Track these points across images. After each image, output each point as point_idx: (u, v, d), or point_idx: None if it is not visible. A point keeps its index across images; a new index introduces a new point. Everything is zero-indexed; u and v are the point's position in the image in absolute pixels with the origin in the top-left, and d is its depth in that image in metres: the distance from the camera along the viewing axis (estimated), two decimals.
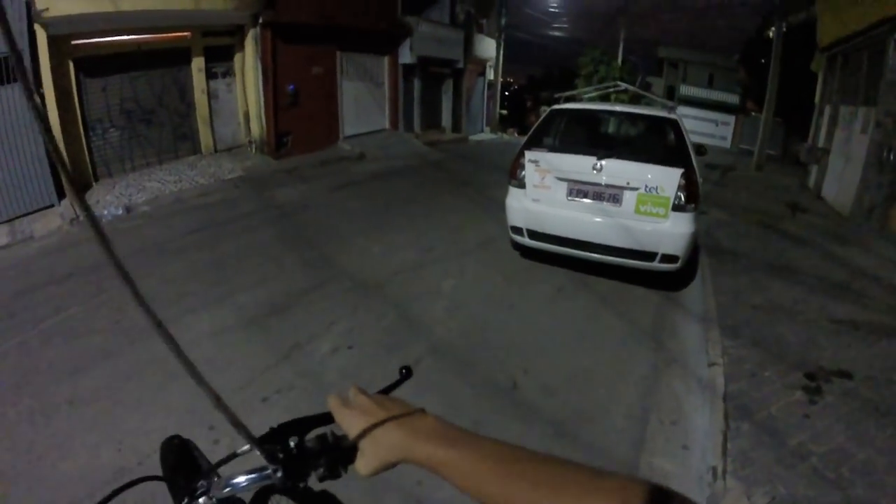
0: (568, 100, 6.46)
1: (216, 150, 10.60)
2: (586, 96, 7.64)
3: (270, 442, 0.69)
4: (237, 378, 3.31)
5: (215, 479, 0.73)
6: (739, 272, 5.59)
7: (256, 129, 11.33)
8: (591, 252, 5.05)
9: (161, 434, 0.82)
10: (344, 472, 0.69)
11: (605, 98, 13.91)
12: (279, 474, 0.66)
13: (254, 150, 11.37)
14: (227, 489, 0.71)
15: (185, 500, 0.70)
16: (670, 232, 4.78)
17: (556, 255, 5.30)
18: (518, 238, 5.49)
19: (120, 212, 7.13)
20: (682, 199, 4.77)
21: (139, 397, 3.12)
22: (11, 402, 3.06)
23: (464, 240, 6.50)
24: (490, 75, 24.19)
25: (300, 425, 0.72)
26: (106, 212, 7.13)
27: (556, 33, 35.62)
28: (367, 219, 7.08)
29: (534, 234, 5.31)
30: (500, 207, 5.59)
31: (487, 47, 22.58)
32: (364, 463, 0.66)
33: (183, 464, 0.75)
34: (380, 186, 9.52)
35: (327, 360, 3.59)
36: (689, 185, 4.77)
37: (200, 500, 0.70)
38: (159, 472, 0.75)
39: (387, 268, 5.33)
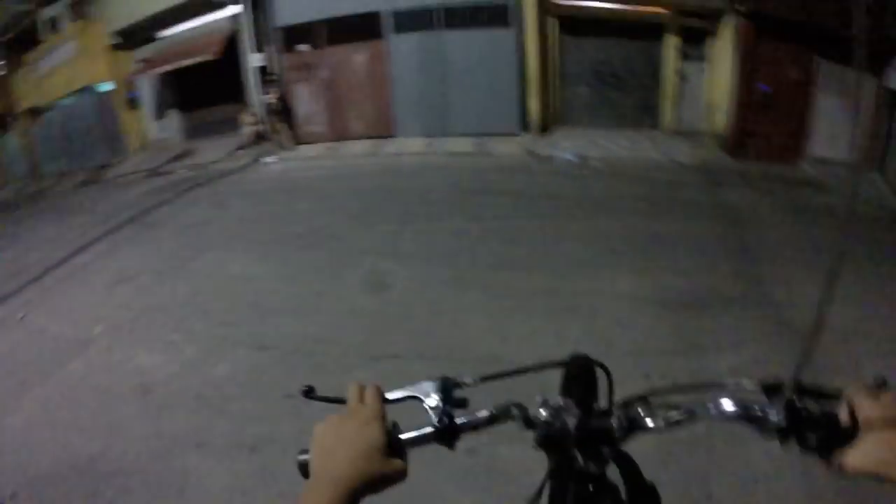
0: None
1: (675, 132, 10.56)
2: None
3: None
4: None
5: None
6: None
7: (719, 121, 10.74)
8: None
9: None
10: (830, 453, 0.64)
11: None
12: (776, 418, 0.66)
13: (712, 142, 10.87)
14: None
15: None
16: None
17: None
18: None
19: (573, 159, 7.89)
20: None
21: None
22: None
23: None
24: None
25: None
26: (561, 155, 8.03)
27: None
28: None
29: None
30: None
31: None
32: (860, 455, 0.62)
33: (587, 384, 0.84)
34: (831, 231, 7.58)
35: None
36: None
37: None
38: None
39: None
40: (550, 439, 0.75)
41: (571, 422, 0.73)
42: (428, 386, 0.74)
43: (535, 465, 0.89)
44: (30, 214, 14.03)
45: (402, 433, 0.69)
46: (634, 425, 0.73)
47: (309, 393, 0.81)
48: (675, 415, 0.72)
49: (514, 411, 0.74)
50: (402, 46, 9.79)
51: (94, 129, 17.23)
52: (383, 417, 0.69)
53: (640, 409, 0.73)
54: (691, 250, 5.00)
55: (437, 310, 4.20)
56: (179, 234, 7.83)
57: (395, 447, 0.68)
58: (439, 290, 4.48)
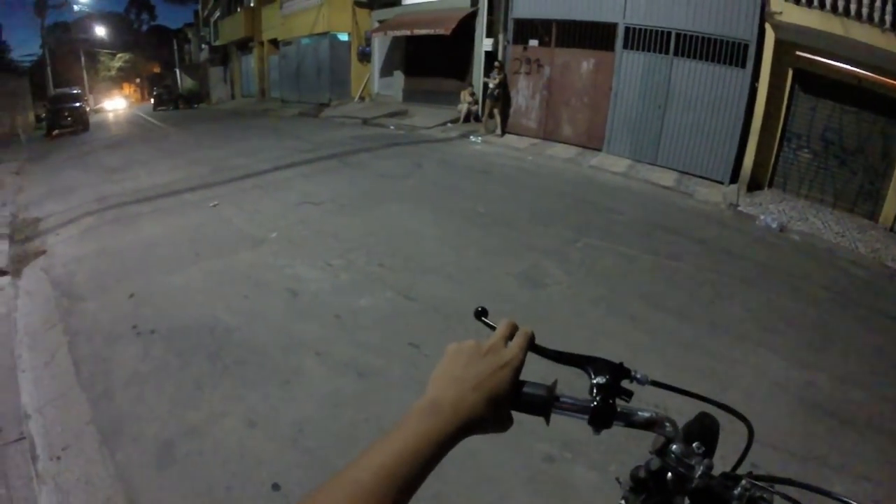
0: None
1: (891, 230, 9.01)
2: None
3: None
4: None
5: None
6: None
7: None
8: None
9: None
10: None
11: None
12: None
13: None
14: None
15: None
16: None
17: None
18: None
19: (774, 225, 7.12)
20: None
21: None
22: None
23: None
24: None
25: None
26: (763, 217, 7.29)
27: None
28: None
29: None
30: None
31: None
32: None
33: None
34: None
35: None
36: None
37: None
38: None
39: None
40: (667, 476, 0.71)
41: (698, 470, 0.68)
42: (602, 364, 0.70)
43: (609, 496, 0.83)
44: (248, 126, 16.43)
45: (543, 391, 0.66)
46: None
47: (481, 315, 0.81)
48: None
49: (668, 427, 0.70)
50: (629, 63, 9.61)
51: (323, 70, 19.46)
52: (520, 367, 0.66)
53: (765, 494, 0.67)
54: (860, 362, 4.04)
55: (581, 321, 4.17)
56: (372, 179, 8.60)
57: (518, 400, 0.65)
58: (588, 304, 4.43)
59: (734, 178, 8.64)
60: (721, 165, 8.72)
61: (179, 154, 12.31)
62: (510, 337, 0.69)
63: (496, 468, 2.68)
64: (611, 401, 0.67)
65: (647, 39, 9.33)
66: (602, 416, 0.66)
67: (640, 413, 0.69)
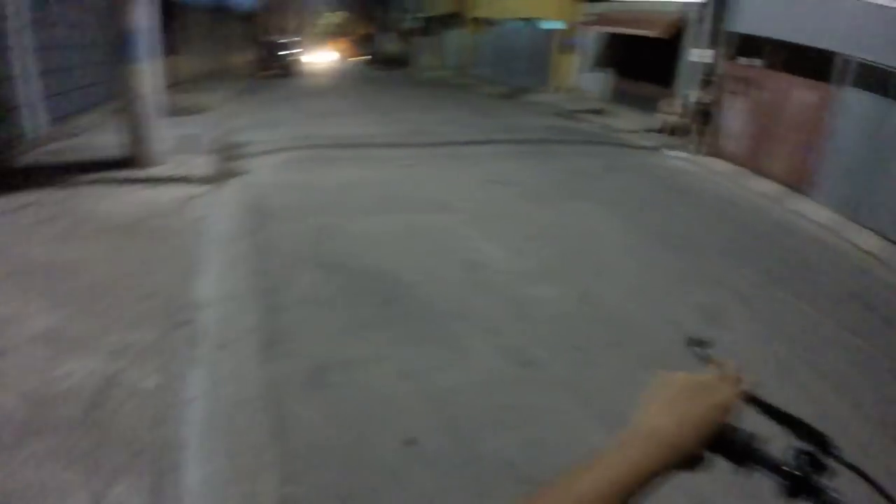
0: None
1: None
2: None
3: None
4: None
5: None
6: None
7: None
8: None
9: None
10: None
11: None
12: None
13: None
14: None
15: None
16: None
17: None
18: None
19: None
20: None
21: None
22: None
23: None
24: None
25: None
26: None
27: None
28: None
29: None
30: None
31: None
32: None
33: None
34: None
35: None
36: None
37: None
38: None
39: None
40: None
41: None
42: (805, 428, 0.64)
43: None
44: (448, 96, 17.18)
45: (746, 441, 0.62)
46: None
47: (697, 344, 0.75)
48: None
49: None
50: (854, 103, 8.32)
51: (526, 55, 19.73)
52: (736, 412, 0.62)
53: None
54: None
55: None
56: (564, 173, 8.71)
57: (722, 448, 0.61)
58: (768, 363, 4.07)
59: None
60: None
61: (381, 111, 13.32)
62: (726, 378, 0.65)
63: None
64: (810, 471, 0.61)
65: (879, 79, 7.95)
66: (798, 486, 0.60)
67: (835, 494, 0.60)
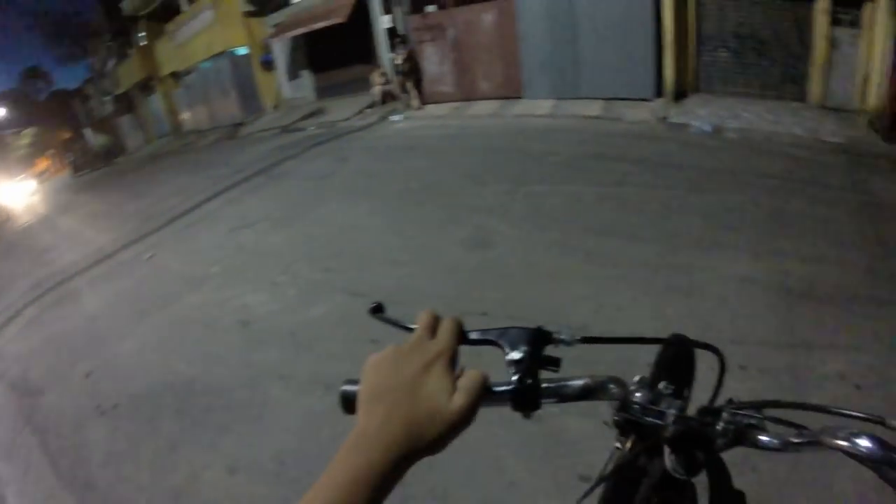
0: None
1: (822, 107, 9.28)
2: None
3: None
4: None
5: None
6: None
7: (872, 98, 9.15)
8: None
9: None
10: None
11: None
12: None
13: (863, 121, 9.37)
14: None
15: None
16: None
17: None
18: None
19: (708, 128, 7.15)
20: None
21: None
22: None
23: None
24: None
25: None
26: (696, 123, 7.34)
27: None
28: None
29: None
30: None
31: None
32: None
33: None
34: None
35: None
36: None
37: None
38: None
39: None
40: (642, 430, 0.61)
41: (670, 414, 0.60)
42: (516, 334, 0.60)
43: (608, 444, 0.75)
44: (169, 166, 15.75)
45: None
46: (742, 437, 0.58)
47: (377, 311, 0.71)
48: (795, 437, 0.56)
49: (613, 388, 0.61)
50: (531, 4, 9.37)
51: (230, 89, 18.63)
52: (454, 359, 0.54)
53: (752, 420, 0.58)
54: (822, 238, 4.28)
55: (535, 272, 4.01)
56: (302, 186, 8.31)
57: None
58: (541, 252, 4.29)
59: (659, 92, 8.58)
60: (643, 83, 8.64)
61: (104, 216, 11.70)
62: (433, 329, 0.57)
63: (482, 443, 2.57)
64: (531, 379, 0.56)
65: None
66: (524, 398, 0.56)
67: (572, 383, 0.61)
